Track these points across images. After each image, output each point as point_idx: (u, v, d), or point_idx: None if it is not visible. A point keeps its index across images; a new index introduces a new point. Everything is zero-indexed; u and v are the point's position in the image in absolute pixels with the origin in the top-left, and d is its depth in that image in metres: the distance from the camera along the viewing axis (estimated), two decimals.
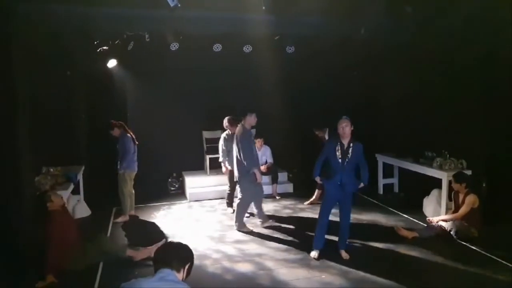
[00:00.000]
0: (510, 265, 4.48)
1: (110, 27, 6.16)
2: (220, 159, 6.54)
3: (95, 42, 6.51)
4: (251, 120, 5.57)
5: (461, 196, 5.40)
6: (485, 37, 5.52)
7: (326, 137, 6.77)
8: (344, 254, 4.77)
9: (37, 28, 5.17)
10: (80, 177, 6.29)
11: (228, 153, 6.21)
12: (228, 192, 6.58)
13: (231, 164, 6.06)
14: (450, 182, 5.86)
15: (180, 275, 2.18)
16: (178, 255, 2.23)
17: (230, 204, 6.55)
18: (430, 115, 6.66)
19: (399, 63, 7.06)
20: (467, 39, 5.75)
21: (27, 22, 4.77)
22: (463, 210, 5.27)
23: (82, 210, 6.32)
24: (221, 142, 6.47)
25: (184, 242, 2.40)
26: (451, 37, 5.92)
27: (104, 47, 6.63)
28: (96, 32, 6.24)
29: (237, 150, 5.53)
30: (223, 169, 6.53)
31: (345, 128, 4.49)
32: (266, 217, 5.93)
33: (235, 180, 5.80)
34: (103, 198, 6.82)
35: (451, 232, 5.22)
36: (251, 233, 5.59)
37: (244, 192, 5.64)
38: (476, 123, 6.00)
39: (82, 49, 6.52)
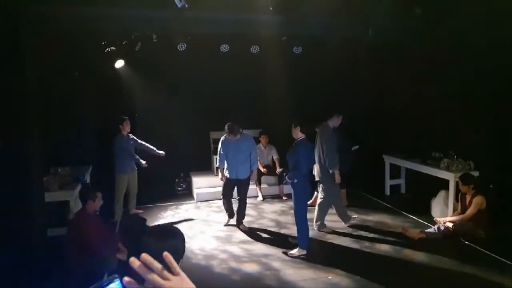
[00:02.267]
0: None
1: (118, 28, 6.19)
2: (217, 164, 6.14)
3: (103, 43, 6.56)
4: (337, 121, 5.62)
5: (468, 198, 5.37)
6: (494, 38, 5.48)
7: None
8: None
9: (46, 29, 5.21)
10: (88, 177, 6.33)
11: (225, 157, 5.80)
12: (223, 200, 5.97)
13: (231, 170, 5.72)
14: (457, 183, 5.84)
15: None
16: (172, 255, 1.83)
17: (231, 215, 5.96)
18: (438, 116, 6.62)
19: (407, 64, 7.02)
20: (476, 40, 5.71)
21: (36, 23, 4.82)
22: (470, 211, 5.24)
23: None
24: (219, 146, 5.95)
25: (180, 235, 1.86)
26: (459, 37, 5.88)
27: (112, 48, 6.68)
28: (103, 33, 6.29)
29: (320, 150, 5.50)
30: (220, 175, 5.90)
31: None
32: (348, 216, 5.92)
33: (316, 180, 5.68)
34: (110, 198, 6.85)
35: (458, 233, 5.19)
36: (331, 232, 5.60)
37: (327, 193, 5.59)
38: (484, 124, 5.96)
39: (90, 49, 6.57)
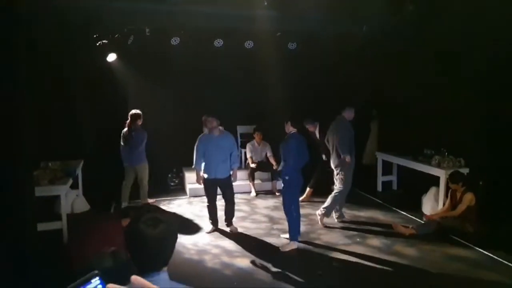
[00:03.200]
0: (505, 262, 4.53)
1: (110, 21, 6.14)
2: (192, 165, 5.50)
3: (95, 36, 6.49)
4: (350, 113, 5.73)
5: (458, 195, 5.44)
6: (487, 36, 5.52)
7: (317, 132, 6.76)
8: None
9: (37, 22, 5.14)
10: (79, 171, 6.28)
11: (203, 156, 5.36)
12: (207, 205, 5.54)
13: (210, 169, 5.29)
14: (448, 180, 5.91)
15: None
16: (166, 252, 1.63)
17: (215, 222, 5.55)
18: (429, 113, 6.67)
19: (400, 61, 7.05)
20: (468, 38, 5.75)
21: (27, 15, 4.74)
22: (460, 208, 5.31)
23: (81, 205, 6.31)
24: (196, 144, 5.40)
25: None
26: (452, 35, 5.92)
27: (104, 41, 6.61)
28: (95, 26, 6.22)
29: (336, 139, 5.60)
30: (196, 178, 5.48)
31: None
32: (343, 214, 5.98)
33: (335, 169, 5.69)
34: (102, 193, 6.82)
35: (447, 229, 5.27)
36: (323, 228, 5.66)
37: (345, 182, 5.64)
38: (474, 122, 6.02)
39: (81, 42, 6.49)
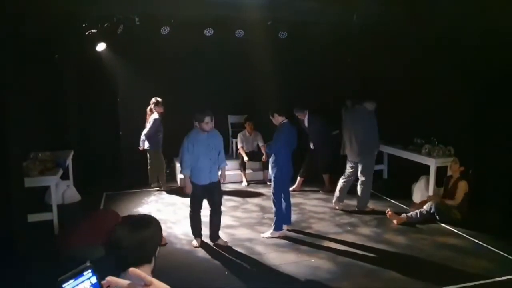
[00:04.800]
0: (493, 249, 4.61)
1: (99, 10, 6.04)
2: (183, 172, 4.75)
3: (84, 25, 6.39)
4: (372, 105, 5.79)
5: (451, 181, 5.52)
6: (476, 26, 5.52)
7: (306, 121, 6.77)
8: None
9: (24, 11, 5.04)
10: (69, 162, 6.24)
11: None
12: (191, 215, 4.82)
13: (204, 174, 4.63)
14: (438, 168, 5.99)
15: (152, 265, 1.64)
16: (148, 245, 1.60)
17: (200, 234, 4.85)
18: (420, 102, 6.69)
19: (390, 51, 7.04)
20: (458, 28, 5.75)
21: (14, 4, 4.65)
22: (459, 195, 5.41)
23: (71, 196, 6.28)
24: (184, 144, 4.62)
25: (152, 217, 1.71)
26: (442, 25, 5.91)
27: (93, 30, 6.52)
28: (84, 15, 6.12)
29: (353, 131, 5.73)
30: (187, 186, 4.69)
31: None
32: (342, 201, 6.08)
33: (360, 162, 5.79)
34: (93, 184, 6.80)
35: (435, 215, 5.38)
36: (372, 211, 5.85)
37: (368, 173, 5.79)
38: (463, 111, 6.07)
39: (70, 32, 6.40)
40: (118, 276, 1.57)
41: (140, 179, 7.20)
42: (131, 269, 1.00)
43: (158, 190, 6.95)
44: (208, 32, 6.93)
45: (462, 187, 5.40)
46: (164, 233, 4.97)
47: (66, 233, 4.47)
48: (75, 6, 5.52)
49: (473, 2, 5.35)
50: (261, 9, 6.05)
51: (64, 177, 6.14)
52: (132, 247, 1.55)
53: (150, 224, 1.63)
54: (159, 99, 6.73)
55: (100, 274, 0.98)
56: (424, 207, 5.46)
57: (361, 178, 5.85)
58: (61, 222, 5.06)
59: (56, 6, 5.38)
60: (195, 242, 4.76)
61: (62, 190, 6.14)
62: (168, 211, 5.97)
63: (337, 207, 6.00)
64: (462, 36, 5.75)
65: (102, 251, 4.04)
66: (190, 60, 7.51)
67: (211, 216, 4.79)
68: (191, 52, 7.39)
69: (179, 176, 7.31)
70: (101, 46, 6.85)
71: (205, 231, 4.85)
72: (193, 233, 4.81)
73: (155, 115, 6.69)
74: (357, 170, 5.86)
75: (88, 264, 0.97)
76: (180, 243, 4.86)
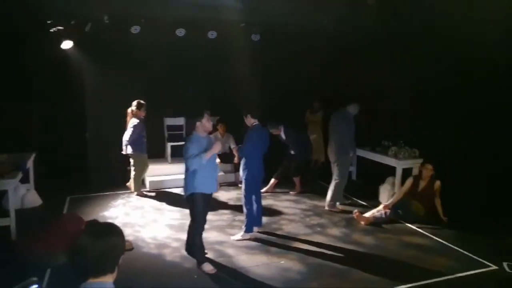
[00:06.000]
0: (454, 247, 4.80)
1: (65, 7, 5.86)
2: (194, 186, 4.13)
3: (48, 22, 6.17)
4: (355, 108, 5.95)
5: (422, 183, 5.67)
6: (444, 32, 5.72)
7: (283, 134, 6.79)
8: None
9: None
10: (30, 165, 5.98)
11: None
12: (200, 232, 4.28)
13: (212, 182, 4.24)
14: (404, 170, 6.17)
15: (114, 274, 1.59)
16: (112, 253, 1.56)
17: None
18: (388, 105, 6.86)
19: (360, 54, 7.20)
20: (425, 32, 5.95)
21: None
22: (437, 200, 5.62)
23: (32, 200, 5.97)
24: (189, 147, 4.04)
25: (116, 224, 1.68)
26: (410, 29, 6.09)
27: (59, 27, 6.31)
28: (49, 12, 5.92)
29: (336, 134, 5.88)
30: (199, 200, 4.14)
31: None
32: (334, 204, 6.15)
33: (334, 162, 5.94)
34: (57, 187, 6.56)
35: (400, 213, 5.57)
36: (341, 212, 5.98)
37: (342, 174, 5.95)
38: (429, 113, 6.27)
39: (34, 29, 6.16)
40: (78, 285, 1.51)
41: (107, 182, 7.01)
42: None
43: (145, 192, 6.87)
44: (180, 32, 6.86)
45: (437, 187, 5.60)
46: (131, 237, 4.86)
47: (26, 239, 4.27)
48: (39, 1, 5.33)
49: (442, 5, 5.54)
50: (234, 11, 6.06)
51: (25, 180, 5.87)
52: (94, 255, 1.51)
53: (114, 232, 1.60)
54: (142, 102, 6.49)
55: (61, 282, 0.93)
56: (381, 207, 5.67)
57: (335, 178, 6.01)
58: (20, 227, 4.81)
59: (19, 2, 5.18)
60: (210, 267, 4.16)
61: (22, 194, 5.85)
62: (136, 215, 5.83)
63: (333, 209, 6.09)
64: (428, 40, 5.94)
65: (64, 258, 3.89)
66: (161, 60, 7.38)
67: (188, 233, 4.36)
68: (162, 52, 7.26)
69: (148, 179, 7.18)
70: (67, 44, 6.63)
71: (178, 235, 4.74)
72: (202, 258, 4.22)
73: (135, 121, 6.45)
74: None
75: (34, 279, 0.92)
76: (148, 247, 4.75)
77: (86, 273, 1.51)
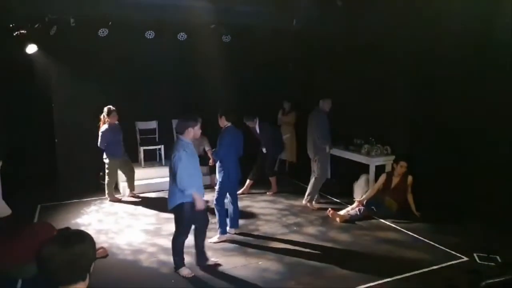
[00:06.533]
0: (425, 240, 4.95)
1: (28, 9, 5.66)
2: (190, 190, 3.94)
3: (11, 25, 5.95)
4: (326, 105, 6.06)
5: (395, 180, 5.81)
6: (412, 32, 5.87)
7: (257, 127, 6.82)
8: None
9: None
10: None
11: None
12: (184, 239, 4.20)
13: (200, 189, 4.16)
14: (376, 167, 6.30)
15: (86, 282, 1.56)
16: (81, 261, 1.51)
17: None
18: (359, 105, 6.99)
19: (330, 55, 7.31)
20: (395, 32, 6.08)
21: None
22: (410, 190, 5.75)
23: (0, 210, 5.77)
24: (181, 155, 3.83)
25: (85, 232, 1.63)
26: (379, 30, 6.22)
27: (22, 31, 6.09)
28: (12, 15, 5.71)
29: (316, 131, 6.00)
30: (198, 202, 4.01)
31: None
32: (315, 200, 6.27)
33: (313, 159, 6.10)
34: (27, 195, 6.33)
35: (374, 209, 5.69)
36: (317, 210, 6.05)
37: (322, 170, 6.09)
38: (399, 112, 6.44)
39: None
40: None
41: (79, 188, 6.82)
42: None
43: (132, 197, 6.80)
44: (149, 34, 6.77)
45: (410, 182, 5.74)
46: (105, 244, 4.75)
47: None
48: (0, 4, 5.13)
49: (410, 5, 5.68)
50: (203, 13, 6.02)
51: None
52: (63, 264, 1.47)
53: (83, 239, 1.55)
54: (112, 108, 6.39)
55: None
56: (355, 204, 5.81)
57: (314, 174, 6.15)
58: None
59: None
60: (188, 271, 4.12)
61: None
62: (110, 221, 5.69)
63: (310, 205, 6.19)
64: (399, 40, 6.09)
65: (35, 269, 3.74)
66: (130, 63, 7.24)
67: (197, 236, 4.29)
68: (131, 55, 7.13)
69: (122, 184, 7.02)
70: (31, 48, 6.41)
71: (154, 240, 4.66)
72: (180, 264, 4.13)
73: (104, 127, 6.37)
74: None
75: None
76: (123, 253, 4.64)
77: (56, 281, 1.47)
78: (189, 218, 4.02)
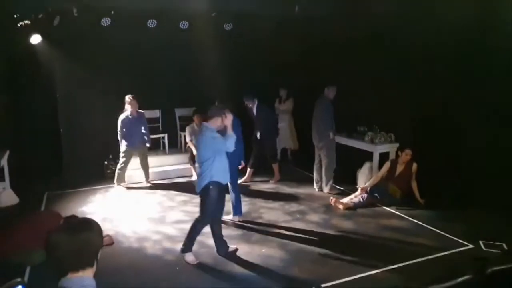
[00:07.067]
0: (429, 227, 4.97)
1: (32, 0, 5.68)
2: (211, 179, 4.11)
3: (15, 16, 5.96)
4: (331, 92, 6.14)
5: (400, 167, 5.80)
6: (417, 20, 5.80)
7: (254, 109, 6.81)
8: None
9: None
10: (5, 162, 5.83)
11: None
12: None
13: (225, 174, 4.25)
14: (380, 154, 6.29)
15: (94, 268, 1.60)
16: (88, 248, 1.55)
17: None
18: (363, 91, 6.94)
19: (335, 42, 7.23)
20: (400, 20, 6.01)
21: None
22: (414, 178, 5.77)
23: (8, 198, 5.86)
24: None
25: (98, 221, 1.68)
26: (384, 16, 6.14)
27: (26, 22, 6.10)
28: (15, 6, 5.72)
29: (320, 118, 6.12)
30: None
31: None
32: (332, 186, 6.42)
33: (318, 146, 6.23)
34: (32, 184, 6.42)
35: (377, 197, 5.71)
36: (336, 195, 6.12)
37: (330, 157, 6.23)
38: (402, 99, 6.39)
39: (0, 24, 5.95)
40: (58, 281, 1.51)
41: (85, 177, 6.90)
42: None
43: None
44: (152, 23, 6.76)
45: (415, 169, 5.74)
46: (111, 232, 4.82)
47: (3, 239, 4.18)
48: None
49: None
50: (205, 0, 5.99)
51: (0, 179, 5.73)
52: (71, 250, 1.51)
53: (89, 226, 1.59)
54: (130, 97, 6.51)
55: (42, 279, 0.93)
56: (358, 192, 5.81)
57: (323, 161, 6.27)
58: None
59: None
60: (193, 258, 4.18)
61: None
62: (115, 209, 5.77)
63: (332, 191, 6.33)
64: (399, 29, 6.02)
65: (43, 256, 3.83)
66: (133, 52, 7.23)
67: (214, 222, 4.34)
68: (134, 44, 7.13)
69: (127, 173, 7.09)
70: (35, 39, 6.43)
71: (159, 228, 4.72)
72: (188, 248, 4.20)
73: (122, 115, 6.54)
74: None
75: (18, 280, 0.91)
76: (128, 241, 4.72)
77: (64, 268, 1.51)
78: (215, 200, 4.11)
